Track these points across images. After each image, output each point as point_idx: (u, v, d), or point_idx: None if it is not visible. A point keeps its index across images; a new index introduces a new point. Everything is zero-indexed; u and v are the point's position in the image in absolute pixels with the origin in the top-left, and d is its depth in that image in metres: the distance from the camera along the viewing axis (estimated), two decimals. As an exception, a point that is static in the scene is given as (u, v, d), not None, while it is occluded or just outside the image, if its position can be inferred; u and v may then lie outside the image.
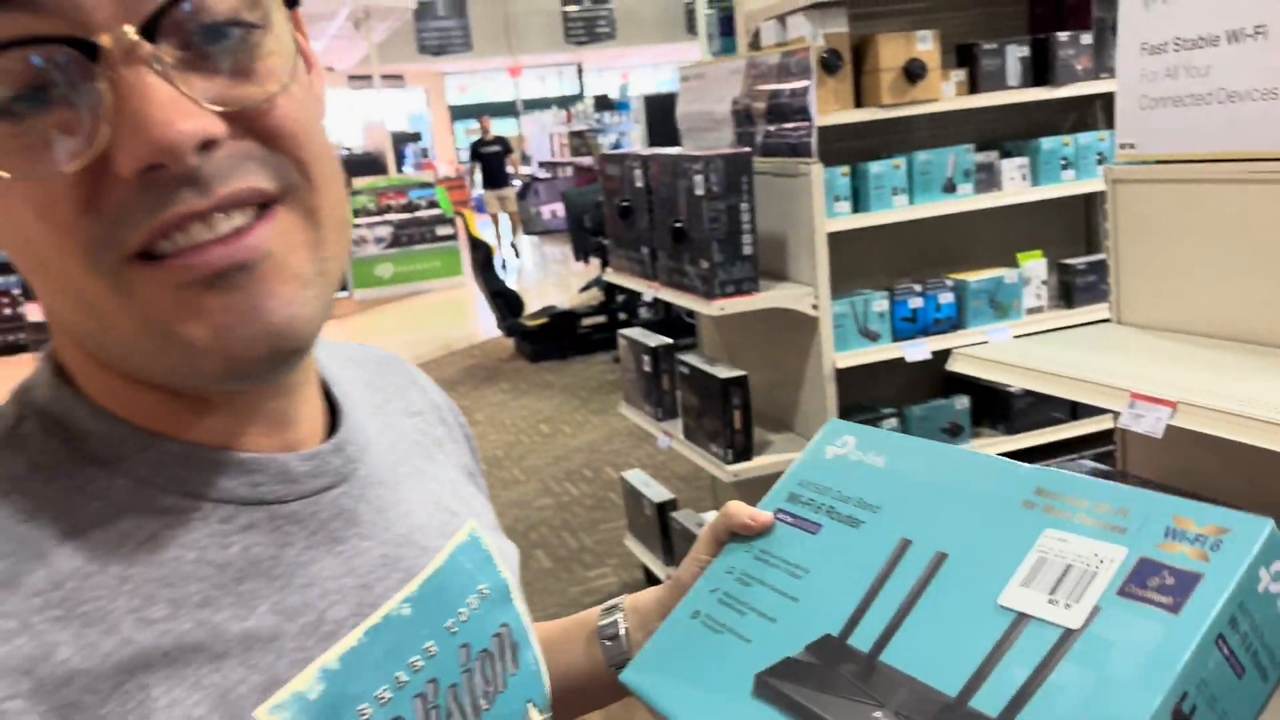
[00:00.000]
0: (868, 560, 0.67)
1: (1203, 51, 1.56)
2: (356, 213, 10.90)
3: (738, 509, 0.75)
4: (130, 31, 0.44)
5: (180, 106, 0.45)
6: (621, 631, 0.80)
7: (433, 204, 11.16)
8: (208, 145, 0.46)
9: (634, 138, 11.29)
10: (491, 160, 12.54)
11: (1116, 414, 1.41)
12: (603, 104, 15.16)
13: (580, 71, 22.31)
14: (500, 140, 12.75)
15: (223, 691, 0.50)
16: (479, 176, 12.90)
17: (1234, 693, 0.53)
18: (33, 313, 8.72)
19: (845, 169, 2.87)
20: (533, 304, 8.16)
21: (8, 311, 9.95)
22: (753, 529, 0.74)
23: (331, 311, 0.54)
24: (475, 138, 13.02)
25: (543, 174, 15.34)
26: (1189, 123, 1.60)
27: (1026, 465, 0.66)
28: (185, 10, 0.46)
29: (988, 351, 1.73)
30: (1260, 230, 1.51)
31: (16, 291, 9.91)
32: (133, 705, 0.47)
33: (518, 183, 12.87)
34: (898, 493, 0.70)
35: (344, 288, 10.93)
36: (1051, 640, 0.55)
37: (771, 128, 2.92)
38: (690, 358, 3.08)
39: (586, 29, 17.31)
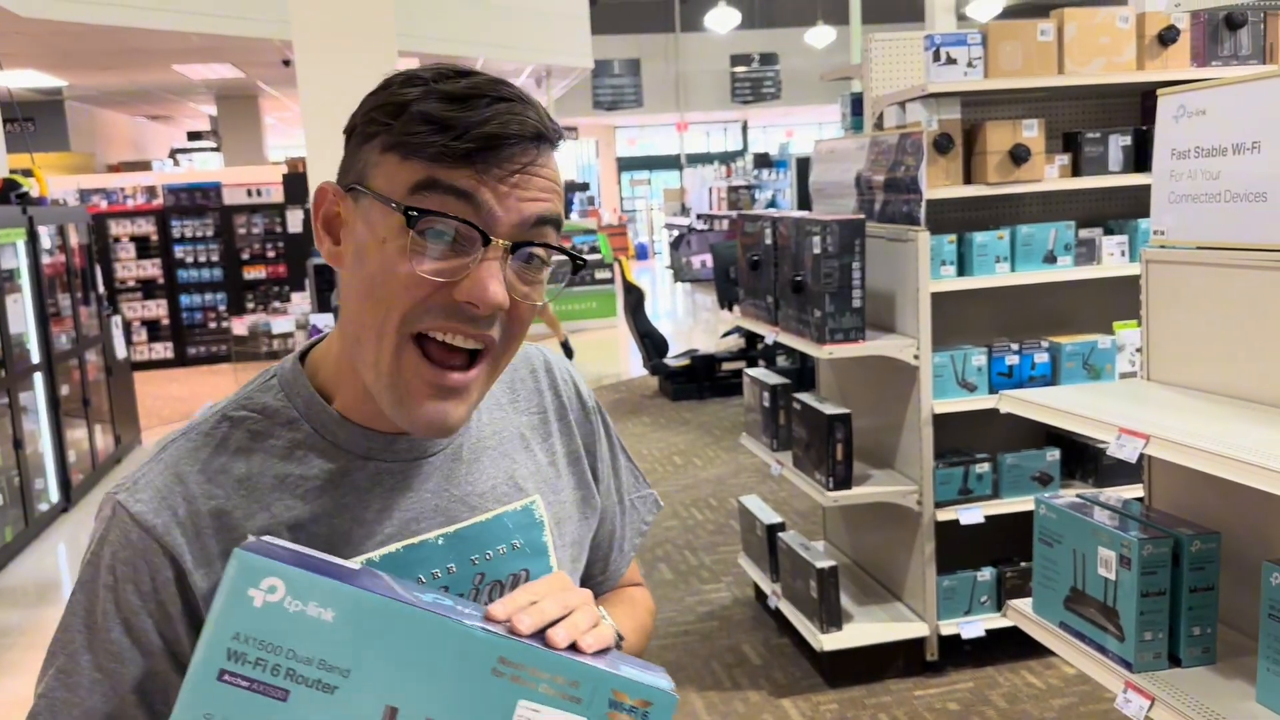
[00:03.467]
0: None
1: (1214, 159, 1.91)
2: (524, 253, 11.67)
3: None
4: (505, 244, 0.82)
5: (500, 291, 0.82)
6: None
7: (594, 249, 11.85)
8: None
9: (788, 196, 11.69)
10: None
11: (1106, 443, 1.76)
12: (761, 161, 15.71)
13: (745, 128, 22.95)
14: None
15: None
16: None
17: None
18: (237, 327, 9.78)
19: (952, 237, 3.24)
20: (679, 347, 8.68)
21: (213, 325, 11.15)
22: None
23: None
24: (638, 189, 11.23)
25: (700, 225, 15.95)
26: (1203, 216, 1.94)
27: (481, 631, 0.74)
28: (526, 256, 0.85)
29: (1031, 395, 2.09)
30: (1256, 306, 1.84)
31: (222, 308, 11.10)
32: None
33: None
34: (364, 654, 0.72)
35: (507, 322, 11.70)
36: None
37: (889, 198, 3.33)
38: (803, 396, 3.49)
39: (753, 89, 17.96)
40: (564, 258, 0.88)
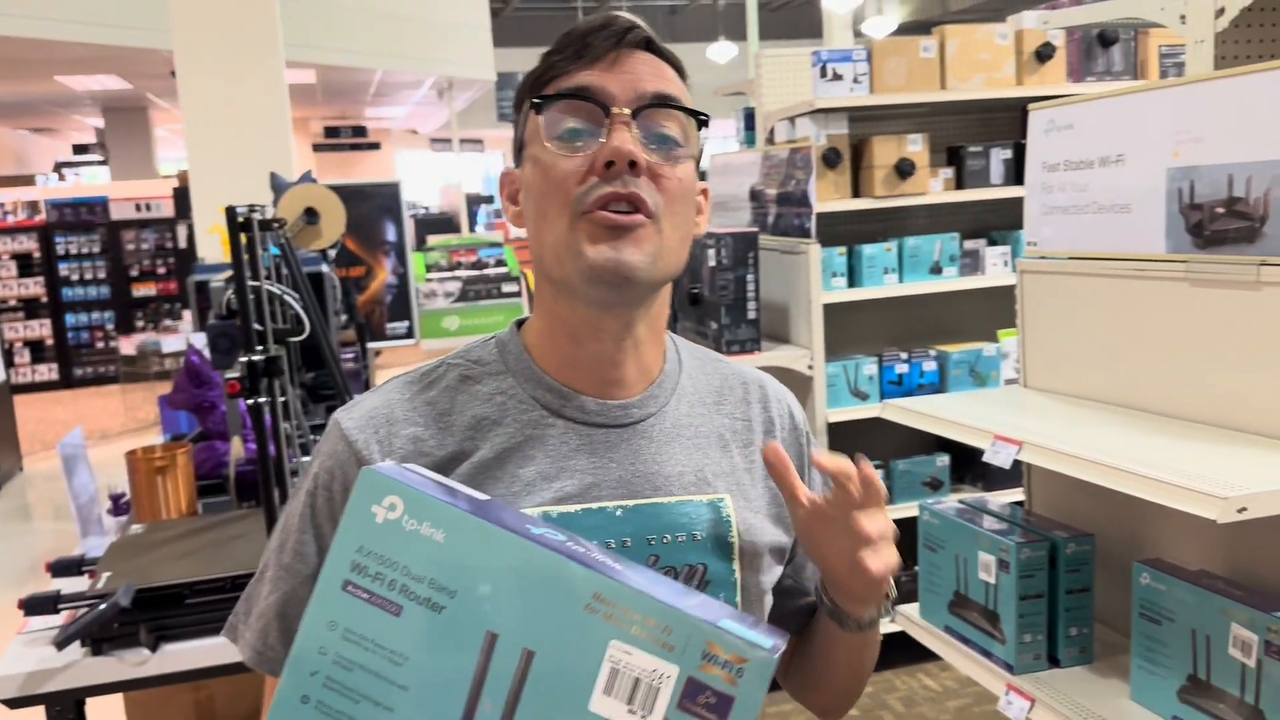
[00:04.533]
0: (462, 651, 0.74)
1: (1082, 172, 1.97)
2: (429, 267, 11.56)
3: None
4: (625, 111, 0.90)
5: (631, 144, 0.89)
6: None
7: (500, 262, 11.77)
8: (634, 166, 0.88)
9: (692, 208, 11.81)
10: None
11: (983, 450, 1.80)
12: (667, 174, 15.78)
13: (651, 142, 23.07)
14: None
15: (491, 490, 0.90)
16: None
17: None
18: (125, 347, 9.43)
19: (842, 249, 3.30)
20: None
21: (100, 345, 10.73)
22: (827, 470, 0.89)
23: (660, 283, 0.93)
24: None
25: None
26: (1073, 227, 2.00)
27: (578, 566, 0.74)
28: (652, 121, 0.92)
29: (914, 404, 2.13)
30: (1124, 314, 1.90)
31: (110, 327, 10.69)
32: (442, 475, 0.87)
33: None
34: (469, 578, 0.75)
35: (410, 335, 11.56)
36: None
37: (781, 211, 3.37)
38: (702, 408, 3.50)
39: (657, 103, 18.09)
40: (694, 127, 0.95)
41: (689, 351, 1.05)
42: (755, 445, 1.02)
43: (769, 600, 1.02)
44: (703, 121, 0.95)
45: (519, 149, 0.97)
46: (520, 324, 1.02)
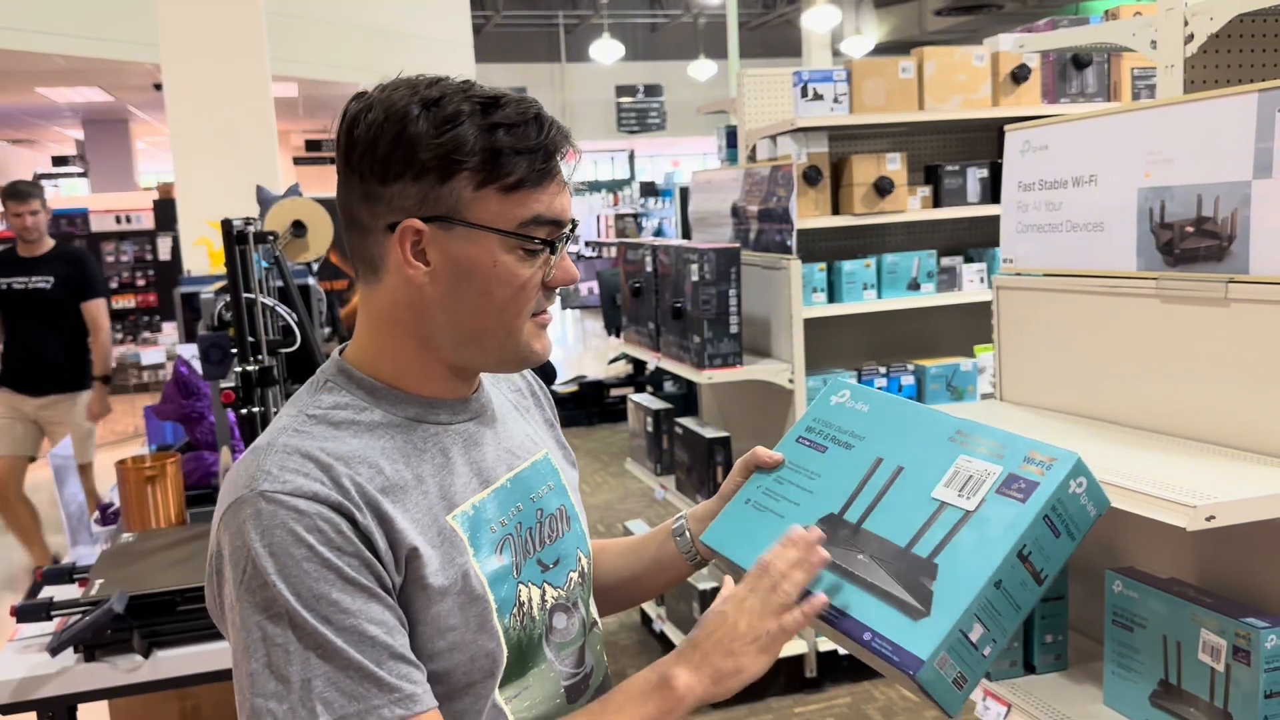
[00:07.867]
0: (855, 469, 1.11)
1: (1057, 191, 2.03)
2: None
3: (761, 452, 1.24)
4: (569, 229, 1.05)
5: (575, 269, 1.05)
6: (687, 531, 1.29)
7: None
8: None
9: (673, 223, 11.86)
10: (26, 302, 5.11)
11: (961, 461, 1.85)
12: (648, 190, 15.90)
13: (632, 157, 23.18)
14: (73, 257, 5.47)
15: (429, 505, 1.00)
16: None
17: (1054, 545, 0.99)
18: None
19: (822, 265, 3.35)
20: (569, 373, 8.68)
21: (78, 357, 10.67)
22: (768, 465, 1.22)
23: None
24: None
25: (589, 252, 16.04)
26: (1047, 245, 2.06)
27: (949, 415, 1.11)
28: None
29: (894, 416, 2.18)
30: (1097, 329, 1.96)
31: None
32: (392, 505, 0.97)
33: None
34: (875, 428, 1.15)
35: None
36: (958, 516, 1.01)
37: (762, 227, 3.43)
38: (685, 420, 3.55)
39: (639, 119, 18.17)
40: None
41: None
42: (530, 408, 1.25)
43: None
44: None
45: (443, 211, 0.99)
46: (340, 372, 1.06)
